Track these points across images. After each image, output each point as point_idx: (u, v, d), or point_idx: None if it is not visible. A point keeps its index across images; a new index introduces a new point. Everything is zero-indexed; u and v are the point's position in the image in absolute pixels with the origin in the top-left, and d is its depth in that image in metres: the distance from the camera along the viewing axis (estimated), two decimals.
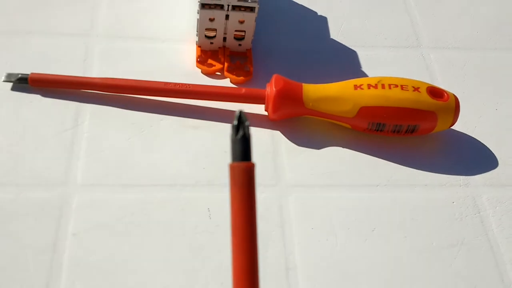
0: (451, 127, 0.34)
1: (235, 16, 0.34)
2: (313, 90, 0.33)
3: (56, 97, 0.33)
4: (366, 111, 0.32)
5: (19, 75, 0.33)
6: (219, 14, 0.34)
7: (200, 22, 0.34)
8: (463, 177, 0.33)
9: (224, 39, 0.36)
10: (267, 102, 0.33)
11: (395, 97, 0.32)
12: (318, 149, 0.33)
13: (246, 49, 0.37)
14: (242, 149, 0.19)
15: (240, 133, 0.19)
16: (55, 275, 0.27)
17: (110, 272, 0.27)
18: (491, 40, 0.41)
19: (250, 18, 0.34)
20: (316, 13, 0.41)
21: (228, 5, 0.34)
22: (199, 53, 0.36)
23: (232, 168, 0.19)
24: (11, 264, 0.27)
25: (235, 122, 0.19)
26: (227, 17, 0.34)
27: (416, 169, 0.33)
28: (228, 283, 0.28)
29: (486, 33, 0.41)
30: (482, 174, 0.33)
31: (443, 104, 0.32)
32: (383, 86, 0.32)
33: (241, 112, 0.19)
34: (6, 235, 0.28)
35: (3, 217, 0.28)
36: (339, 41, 0.39)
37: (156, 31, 0.38)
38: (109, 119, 0.33)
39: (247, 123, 0.19)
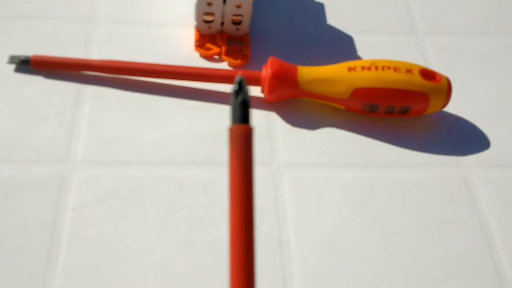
0: (444, 109, 0.35)
1: (232, 0, 0.35)
2: (307, 72, 0.33)
3: (58, 79, 0.34)
4: (359, 93, 0.33)
5: (22, 57, 0.34)
6: None
7: (198, 5, 0.35)
8: (455, 157, 0.34)
9: (222, 23, 0.37)
10: (263, 84, 0.34)
11: (388, 78, 0.33)
12: (313, 130, 0.34)
13: (244, 34, 0.37)
14: (241, 113, 0.20)
15: (240, 97, 0.20)
16: (55, 248, 0.28)
17: (108, 246, 0.28)
18: (485, 26, 0.41)
19: (247, 2, 0.35)
20: None
21: None
22: (197, 37, 0.37)
23: (231, 131, 0.20)
24: (12, 237, 0.28)
25: (236, 87, 0.20)
26: (224, 1, 0.35)
27: (408, 149, 0.34)
28: (224, 257, 0.29)
29: (480, 20, 0.42)
30: (474, 155, 0.34)
31: (435, 85, 0.33)
32: (376, 68, 0.33)
33: (241, 78, 0.20)
34: (8, 210, 0.29)
35: (4, 192, 0.29)
36: (335, 26, 0.40)
37: (156, 16, 0.39)
38: (109, 100, 0.34)
39: (246, 88, 0.20)
